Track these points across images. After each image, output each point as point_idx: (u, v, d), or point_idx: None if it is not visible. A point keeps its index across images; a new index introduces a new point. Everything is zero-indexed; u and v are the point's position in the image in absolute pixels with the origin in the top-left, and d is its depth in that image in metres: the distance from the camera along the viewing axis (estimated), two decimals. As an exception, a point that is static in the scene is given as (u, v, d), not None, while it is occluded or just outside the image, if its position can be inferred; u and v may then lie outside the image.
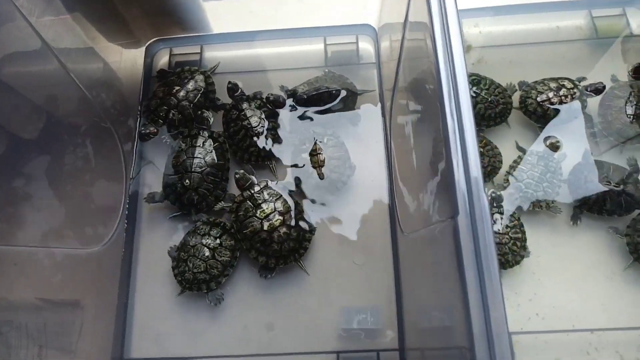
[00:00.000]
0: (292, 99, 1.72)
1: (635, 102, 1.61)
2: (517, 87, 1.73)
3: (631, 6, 1.82)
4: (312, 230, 1.56)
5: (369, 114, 1.73)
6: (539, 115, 1.65)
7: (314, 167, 1.60)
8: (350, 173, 1.62)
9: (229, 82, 1.72)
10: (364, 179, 1.65)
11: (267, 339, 1.50)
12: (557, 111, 1.63)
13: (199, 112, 1.71)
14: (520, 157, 1.62)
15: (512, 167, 1.62)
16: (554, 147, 1.59)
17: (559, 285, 1.50)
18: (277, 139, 1.68)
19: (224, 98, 1.77)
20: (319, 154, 1.61)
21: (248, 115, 1.66)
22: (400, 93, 1.47)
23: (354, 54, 1.83)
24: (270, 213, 1.50)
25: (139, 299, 1.57)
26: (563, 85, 1.65)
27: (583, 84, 1.67)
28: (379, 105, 1.74)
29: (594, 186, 1.54)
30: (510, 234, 1.50)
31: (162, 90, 1.74)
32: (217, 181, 1.63)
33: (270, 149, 1.66)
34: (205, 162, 1.62)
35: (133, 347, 1.52)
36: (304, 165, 1.61)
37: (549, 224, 1.57)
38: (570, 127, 1.66)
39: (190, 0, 1.79)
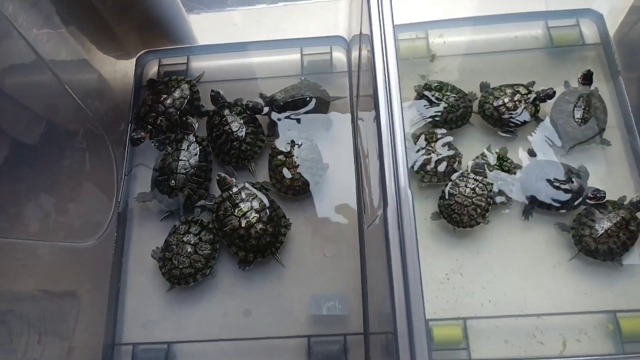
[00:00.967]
0: (270, 106, 1.86)
1: (583, 107, 1.75)
2: (479, 90, 1.87)
3: (584, 17, 1.96)
4: (287, 225, 1.71)
5: (340, 119, 1.88)
6: (495, 119, 1.79)
7: (288, 168, 1.75)
8: (322, 173, 1.77)
9: (212, 91, 1.87)
10: (335, 178, 1.80)
11: (245, 324, 1.65)
12: (511, 115, 1.77)
13: (185, 118, 1.87)
14: (477, 158, 1.76)
15: (467, 169, 1.76)
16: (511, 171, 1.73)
17: (510, 274, 1.64)
18: (256, 143, 1.83)
19: (208, 105, 1.92)
20: (294, 155, 1.76)
21: (229, 121, 1.81)
22: (360, 100, 1.62)
23: (328, 64, 1.98)
24: (247, 211, 1.65)
25: (129, 289, 1.73)
26: (518, 91, 1.79)
27: (536, 89, 1.81)
28: (349, 110, 1.89)
29: (544, 184, 1.68)
30: (474, 200, 1.64)
31: (150, 99, 1.90)
32: (200, 181, 1.78)
33: (249, 152, 1.81)
34: (190, 164, 1.77)
35: (124, 333, 1.67)
36: (280, 166, 1.76)
37: (503, 218, 1.71)
38: (524, 130, 1.80)
39: (176, 15, 1.94)
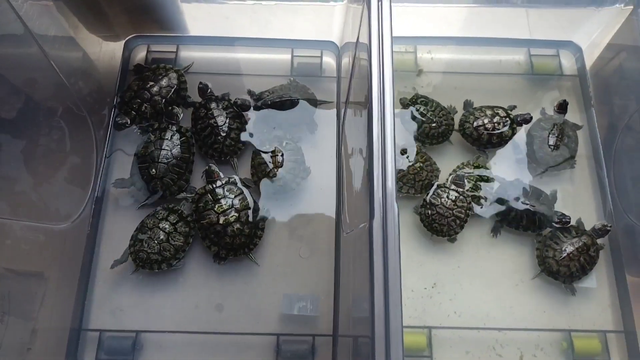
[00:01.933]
0: (257, 104, 1.88)
1: (556, 135, 1.84)
2: (460, 107, 1.93)
3: (564, 49, 2.06)
4: (263, 228, 1.72)
5: (326, 123, 1.91)
6: (474, 138, 1.86)
7: (271, 167, 1.77)
8: (304, 175, 1.80)
9: (200, 83, 1.87)
10: (316, 181, 1.83)
11: (216, 318, 1.66)
12: (490, 135, 1.84)
13: (170, 107, 1.86)
14: (455, 171, 1.83)
15: (447, 180, 1.82)
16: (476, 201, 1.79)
17: (476, 288, 1.72)
18: (240, 139, 1.84)
19: (195, 96, 1.91)
20: (277, 155, 1.78)
21: (215, 115, 1.81)
22: (350, 106, 1.66)
23: (318, 67, 2.00)
24: (227, 209, 1.66)
25: (99, 275, 1.71)
26: (497, 114, 1.87)
27: (514, 113, 1.89)
28: (335, 116, 1.92)
29: (514, 205, 1.76)
30: (454, 211, 1.71)
31: (136, 84, 1.87)
32: (181, 172, 1.78)
33: (233, 147, 1.82)
34: (172, 154, 1.76)
35: (92, 318, 1.66)
36: (262, 164, 1.77)
37: (473, 234, 1.78)
38: (500, 151, 1.88)
39: (169, 2, 1.93)
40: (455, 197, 1.73)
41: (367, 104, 1.14)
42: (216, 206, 1.66)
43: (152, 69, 1.92)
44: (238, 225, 1.64)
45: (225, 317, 1.67)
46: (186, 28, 2.04)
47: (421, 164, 1.80)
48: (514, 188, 1.80)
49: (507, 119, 1.86)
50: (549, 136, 1.85)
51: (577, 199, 1.85)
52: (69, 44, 1.77)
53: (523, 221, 1.75)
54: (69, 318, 1.63)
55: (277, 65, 2.02)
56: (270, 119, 1.87)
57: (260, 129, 1.87)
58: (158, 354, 1.62)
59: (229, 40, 2.05)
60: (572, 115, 1.95)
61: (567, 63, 2.05)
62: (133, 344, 1.61)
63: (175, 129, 1.81)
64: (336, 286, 1.68)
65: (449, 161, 1.88)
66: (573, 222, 1.76)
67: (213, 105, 1.83)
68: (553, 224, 1.75)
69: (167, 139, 1.78)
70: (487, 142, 1.85)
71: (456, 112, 1.93)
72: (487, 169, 1.82)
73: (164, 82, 1.87)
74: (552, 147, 1.84)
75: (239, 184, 1.73)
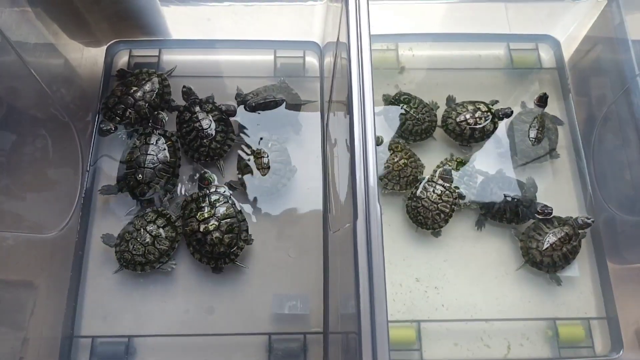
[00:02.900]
0: (242, 106, 1.89)
1: (537, 128, 1.88)
2: (443, 103, 1.96)
3: (543, 42, 2.09)
4: (247, 240, 1.71)
5: (310, 123, 1.92)
6: (457, 134, 1.89)
7: (257, 168, 1.78)
8: (290, 176, 1.82)
9: (184, 86, 1.87)
10: (303, 182, 1.85)
11: (207, 321, 1.68)
12: (472, 130, 1.87)
13: (155, 112, 1.86)
14: (438, 166, 1.86)
15: (435, 174, 1.84)
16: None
17: (462, 281, 1.75)
18: (225, 141, 1.85)
19: (179, 100, 1.91)
20: (263, 157, 1.79)
21: (200, 118, 1.82)
22: (333, 106, 1.68)
23: (301, 67, 2.01)
24: (208, 217, 1.66)
25: (90, 282, 1.71)
26: (479, 108, 1.90)
27: (496, 107, 1.92)
28: (320, 115, 1.94)
29: (497, 198, 1.79)
30: (439, 205, 1.74)
31: (120, 90, 1.87)
32: (167, 176, 1.78)
33: (218, 150, 1.83)
34: (158, 158, 1.77)
35: (83, 325, 1.66)
36: (248, 165, 1.79)
37: (458, 228, 1.81)
38: (482, 145, 1.91)
39: (150, 7, 1.93)
40: (442, 191, 1.76)
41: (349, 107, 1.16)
42: (198, 214, 1.67)
43: (135, 74, 1.92)
44: (217, 234, 1.64)
45: (216, 319, 1.68)
46: (168, 32, 2.04)
47: (405, 161, 1.82)
48: (496, 181, 1.83)
49: (489, 113, 1.89)
50: (529, 129, 1.88)
51: (559, 190, 1.89)
52: (50, 51, 1.76)
53: (506, 214, 1.78)
54: (61, 325, 1.63)
55: (260, 66, 2.03)
56: (255, 121, 1.89)
57: (246, 131, 1.88)
58: (151, 358, 1.63)
59: (211, 42, 2.06)
60: (552, 108, 1.98)
61: (546, 56, 2.09)
62: (126, 349, 1.62)
63: (160, 134, 1.82)
64: (325, 284, 1.71)
65: (433, 157, 1.91)
66: (560, 214, 1.79)
67: (197, 108, 1.84)
68: (536, 215, 1.78)
69: (152, 143, 1.79)
70: (469, 136, 1.88)
71: (438, 107, 1.96)
72: (466, 163, 1.85)
73: (147, 86, 1.87)
74: (533, 140, 1.87)
75: (227, 192, 1.74)
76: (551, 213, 1.77)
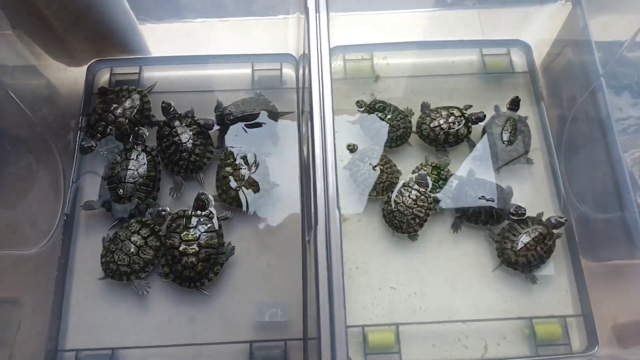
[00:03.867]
0: (221, 120, 1.93)
1: (509, 130, 1.92)
2: (418, 110, 2.00)
3: (514, 47, 2.14)
4: (217, 273, 1.72)
5: (288, 134, 1.97)
6: (432, 139, 1.93)
7: (236, 180, 1.82)
8: (269, 187, 1.85)
9: (163, 102, 1.92)
10: (282, 191, 1.88)
11: (189, 330, 1.71)
12: (446, 135, 1.91)
13: (136, 128, 1.90)
14: (414, 172, 1.89)
15: (411, 179, 1.88)
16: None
17: (440, 283, 1.78)
18: (205, 154, 1.89)
19: (159, 115, 1.96)
20: (241, 169, 1.83)
21: (179, 132, 1.87)
22: (305, 115, 1.72)
23: (278, 79, 2.06)
24: (191, 240, 1.69)
25: (74, 296, 1.75)
26: (452, 113, 1.94)
27: (469, 112, 1.96)
28: (297, 126, 1.98)
29: (472, 200, 1.83)
30: (414, 210, 1.77)
31: (100, 107, 1.92)
32: (149, 190, 1.82)
33: (198, 162, 1.87)
34: (138, 173, 1.81)
35: (68, 339, 1.69)
36: (227, 177, 1.82)
37: (434, 231, 1.84)
38: (456, 150, 1.95)
39: (128, 27, 1.98)
40: (417, 196, 1.79)
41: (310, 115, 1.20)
42: (183, 233, 1.71)
43: (116, 92, 1.97)
44: (193, 259, 1.67)
45: (198, 328, 1.71)
46: (148, 49, 2.09)
47: (381, 167, 1.86)
48: (471, 185, 1.86)
49: (462, 118, 1.93)
50: (502, 132, 1.92)
51: (533, 191, 1.92)
52: (31, 72, 1.81)
53: (482, 216, 1.81)
54: (45, 340, 1.66)
55: (238, 79, 2.08)
56: (233, 134, 1.93)
57: (225, 144, 1.93)
58: (134, 369, 1.66)
59: (190, 58, 2.11)
60: (526, 110, 2.02)
61: (519, 60, 2.13)
62: (109, 361, 1.65)
63: (140, 149, 1.86)
64: (304, 292, 1.73)
65: (409, 162, 1.94)
66: (534, 216, 1.83)
67: (176, 123, 1.89)
68: (510, 216, 1.81)
69: (132, 159, 1.83)
70: (444, 141, 1.92)
71: (413, 114, 2.00)
72: (445, 167, 1.89)
73: (127, 103, 1.92)
74: (506, 142, 1.91)
75: (215, 220, 1.76)
76: (525, 214, 1.80)
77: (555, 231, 1.80)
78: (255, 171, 1.84)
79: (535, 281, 1.77)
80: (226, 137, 1.93)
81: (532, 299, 1.76)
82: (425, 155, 1.94)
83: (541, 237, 1.76)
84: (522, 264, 1.75)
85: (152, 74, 2.09)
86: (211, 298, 1.75)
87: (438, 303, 1.75)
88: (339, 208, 1.06)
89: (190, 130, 1.88)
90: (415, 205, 1.78)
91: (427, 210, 1.79)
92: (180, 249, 1.68)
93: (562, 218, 1.79)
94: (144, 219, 1.79)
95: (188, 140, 1.86)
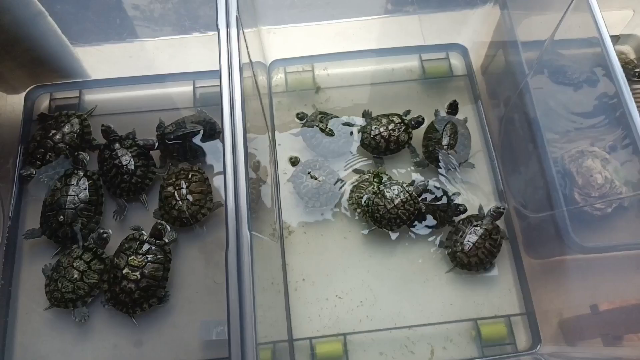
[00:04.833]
0: (161, 140, 1.92)
1: (449, 134, 1.94)
2: (361, 118, 2.02)
3: (453, 51, 2.17)
4: (152, 305, 1.70)
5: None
6: (373, 147, 1.94)
7: (178, 199, 1.81)
8: (210, 206, 1.85)
9: (102, 125, 1.91)
10: (223, 210, 1.88)
11: (136, 354, 1.70)
12: (387, 142, 1.92)
13: (76, 153, 1.89)
14: (356, 181, 1.91)
15: (358, 187, 1.89)
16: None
17: (387, 290, 1.79)
18: (146, 175, 1.89)
19: (102, 139, 1.95)
20: (182, 188, 1.83)
21: (119, 155, 1.86)
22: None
23: (219, 96, 2.06)
24: (136, 266, 1.68)
25: (19, 327, 1.73)
26: (392, 120, 1.95)
27: (409, 117, 1.98)
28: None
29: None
30: (399, 212, 1.77)
31: (39, 134, 1.91)
32: (90, 215, 1.81)
33: (140, 184, 1.86)
34: (79, 198, 1.80)
35: (12, 371, 1.68)
36: (169, 197, 1.82)
37: (383, 238, 1.85)
38: (398, 156, 1.97)
39: (63, 52, 1.97)
40: (407, 199, 1.79)
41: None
42: (130, 257, 1.70)
43: (55, 117, 1.96)
44: (132, 286, 1.66)
45: (145, 351, 1.70)
46: (86, 72, 2.08)
47: (324, 177, 1.87)
48: (414, 190, 1.88)
49: (402, 124, 1.95)
50: (442, 136, 1.94)
51: (478, 191, 1.94)
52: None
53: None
54: (-12, 374, 1.64)
55: (180, 98, 2.09)
56: (174, 153, 1.93)
57: (166, 163, 1.93)
58: (80, 398, 1.65)
59: (131, 79, 2.10)
60: (467, 112, 2.05)
61: (458, 64, 2.16)
62: (54, 391, 1.64)
63: (81, 174, 1.85)
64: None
65: (350, 172, 1.96)
66: (477, 213, 1.85)
67: (116, 145, 1.88)
68: (453, 217, 1.83)
69: (72, 184, 1.82)
70: (385, 149, 1.94)
71: (354, 123, 2.01)
72: (383, 174, 1.90)
73: (66, 128, 1.91)
74: (446, 146, 1.93)
75: (166, 253, 1.74)
76: (465, 210, 1.83)
77: (500, 231, 1.81)
78: (196, 189, 1.84)
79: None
80: (168, 156, 1.93)
81: (477, 301, 1.77)
82: (366, 167, 1.96)
83: (487, 233, 1.78)
84: (475, 263, 1.76)
85: (93, 97, 2.08)
86: (158, 319, 1.74)
87: (384, 310, 1.76)
88: (249, 229, 1.06)
89: (131, 152, 1.88)
90: (402, 208, 1.78)
91: (410, 215, 1.80)
92: (124, 272, 1.68)
93: (499, 208, 1.81)
94: (86, 244, 1.78)
95: (129, 163, 1.86)
